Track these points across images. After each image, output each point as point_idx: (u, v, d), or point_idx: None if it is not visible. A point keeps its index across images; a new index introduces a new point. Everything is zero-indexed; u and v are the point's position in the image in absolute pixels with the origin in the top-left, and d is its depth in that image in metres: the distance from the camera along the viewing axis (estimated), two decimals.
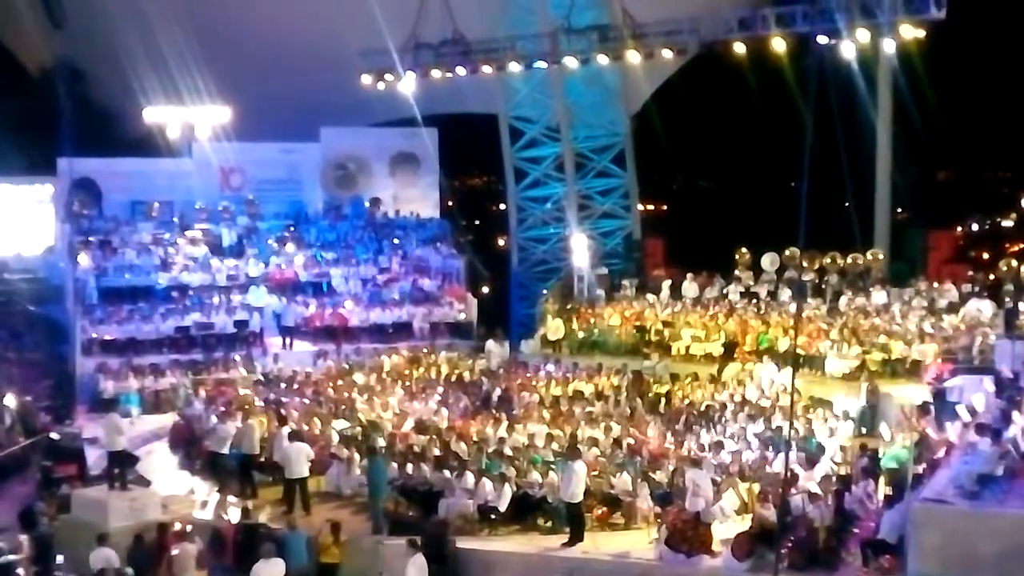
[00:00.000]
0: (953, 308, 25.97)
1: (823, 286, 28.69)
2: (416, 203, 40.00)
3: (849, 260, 29.24)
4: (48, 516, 19.44)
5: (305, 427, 21.58)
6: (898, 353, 23.95)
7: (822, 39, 26.56)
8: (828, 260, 29.18)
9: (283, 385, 26.60)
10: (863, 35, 27.16)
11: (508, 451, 19.86)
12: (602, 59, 32.39)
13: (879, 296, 27.58)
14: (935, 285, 27.52)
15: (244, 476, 20.19)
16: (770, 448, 19.24)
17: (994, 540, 12.94)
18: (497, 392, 24.89)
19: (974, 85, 44.23)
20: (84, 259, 32.83)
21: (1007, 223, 59.97)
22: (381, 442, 20.67)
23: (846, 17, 26.44)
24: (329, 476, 20.20)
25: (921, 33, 27.05)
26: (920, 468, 15.75)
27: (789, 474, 16.04)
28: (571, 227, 38.77)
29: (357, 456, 20.18)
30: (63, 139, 33.52)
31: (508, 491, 17.89)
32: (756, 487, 17.42)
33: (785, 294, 28.60)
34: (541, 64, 33.79)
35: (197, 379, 27.95)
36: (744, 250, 30.70)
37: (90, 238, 34.16)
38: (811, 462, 18.04)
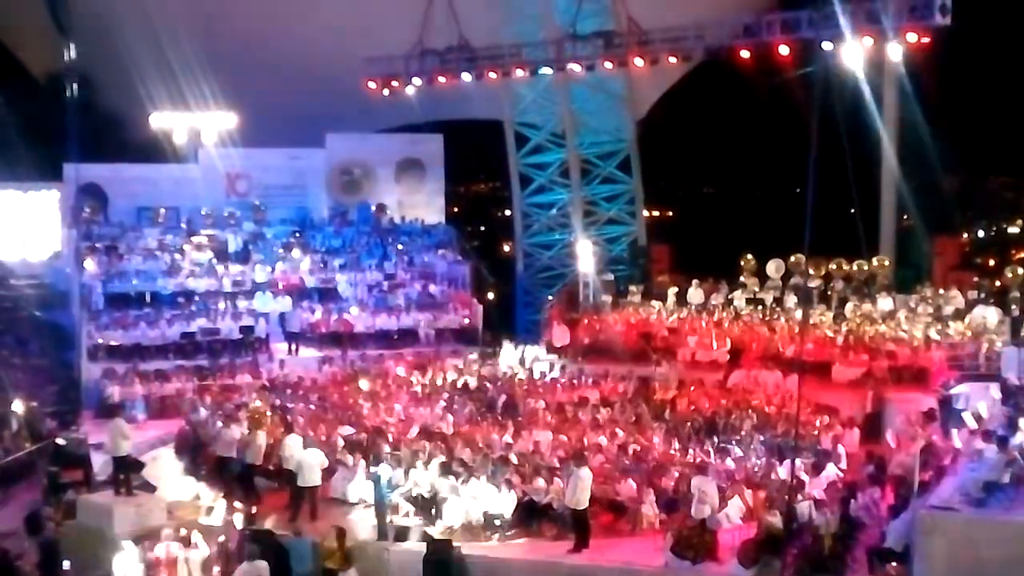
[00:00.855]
0: (959, 315, 25.90)
1: (829, 293, 28.66)
2: (421, 209, 40.01)
3: (855, 266, 29.21)
4: (54, 521, 19.44)
5: (311, 433, 21.58)
6: (904, 360, 23.90)
7: (827, 45, 26.59)
8: (834, 266, 29.18)
9: (288, 391, 26.64)
10: (868, 41, 27.17)
11: (514, 457, 19.85)
12: (607, 65, 32.39)
13: (885, 303, 27.52)
14: (941, 292, 27.44)
15: (247, 483, 20.15)
16: (776, 455, 19.23)
17: (1000, 547, 12.92)
18: (502, 398, 24.90)
19: (980, 91, 44.16)
20: (90, 265, 32.88)
21: (1013, 229, 59.83)
22: (386, 448, 20.68)
23: (851, 23, 26.42)
24: (334, 482, 20.18)
25: (927, 39, 27.03)
26: (927, 475, 15.74)
27: (795, 481, 16.03)
28: (576, 233, 38.72)
29: (363, 462, 20.18)
30: (69, 145, 33.43)
31: (513, 497, 17.90)
32: (762, 494, 17.40)
33: (791, 301, 28.55)
34: (546, 70, 33.78)
35: (202, 384, 27.93)
36: (750, 256, 30.71)
37: (96, 244, 34.19)
38: (817, 469, 18.03)
